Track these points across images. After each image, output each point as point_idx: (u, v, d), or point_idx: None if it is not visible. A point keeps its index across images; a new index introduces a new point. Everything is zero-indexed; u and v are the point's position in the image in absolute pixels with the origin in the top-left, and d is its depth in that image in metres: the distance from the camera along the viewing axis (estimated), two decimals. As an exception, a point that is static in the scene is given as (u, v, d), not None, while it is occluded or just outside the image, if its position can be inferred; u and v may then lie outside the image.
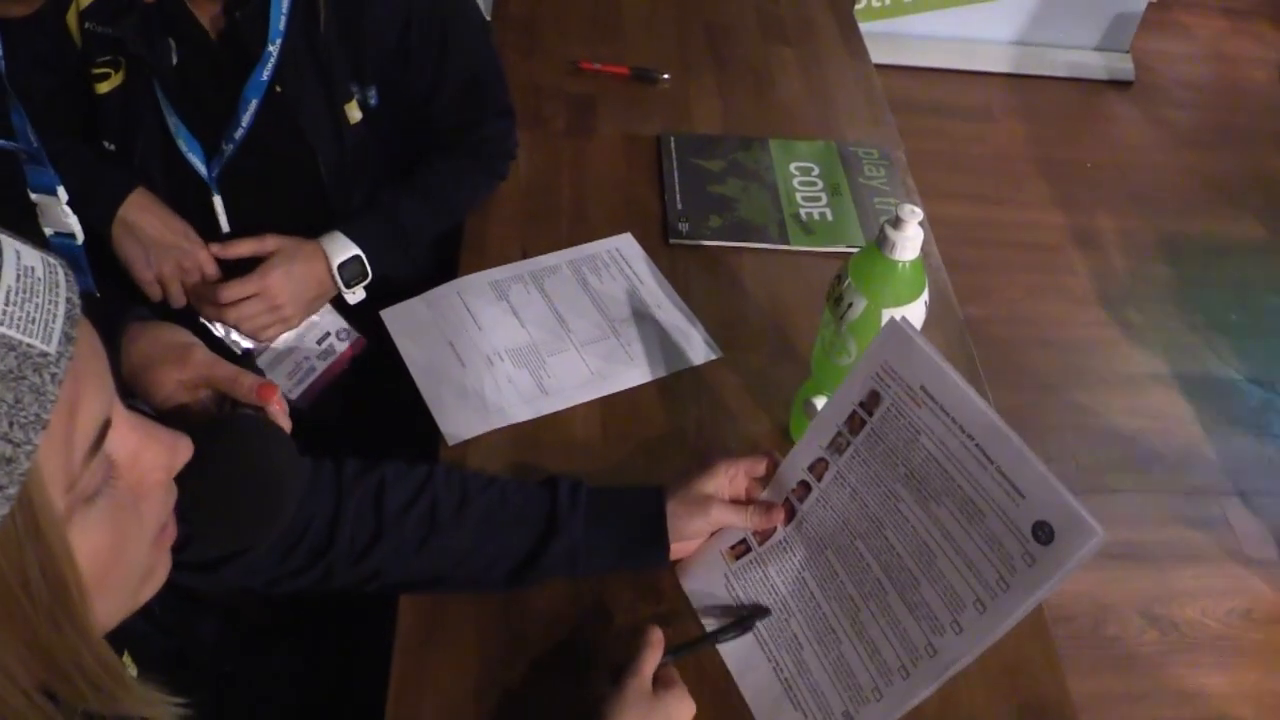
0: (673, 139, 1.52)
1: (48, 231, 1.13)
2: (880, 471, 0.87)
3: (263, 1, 1.13)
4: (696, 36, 1.75)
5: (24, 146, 1.08)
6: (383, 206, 1.28)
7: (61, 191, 1.12)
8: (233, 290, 1.19)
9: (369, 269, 1.26)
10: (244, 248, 1.22)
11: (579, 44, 1.68)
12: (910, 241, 0.97)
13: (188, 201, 1.24)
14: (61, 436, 0.46)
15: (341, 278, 1.24)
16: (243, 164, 1.22)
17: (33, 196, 1.12)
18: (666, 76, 1.64)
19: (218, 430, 0.74)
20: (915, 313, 1.01)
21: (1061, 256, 2.77)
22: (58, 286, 0.47)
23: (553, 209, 1.40)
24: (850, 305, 1.00)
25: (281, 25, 1.15)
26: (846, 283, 1.01)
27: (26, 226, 1.10)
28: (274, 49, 1.15)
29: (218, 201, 1.24)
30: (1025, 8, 3.26)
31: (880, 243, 0.98)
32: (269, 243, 1.23)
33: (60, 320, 0.46)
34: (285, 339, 1.27)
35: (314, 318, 1.29)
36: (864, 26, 1.87)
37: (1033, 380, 2.42)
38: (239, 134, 1.19)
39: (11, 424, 0.43)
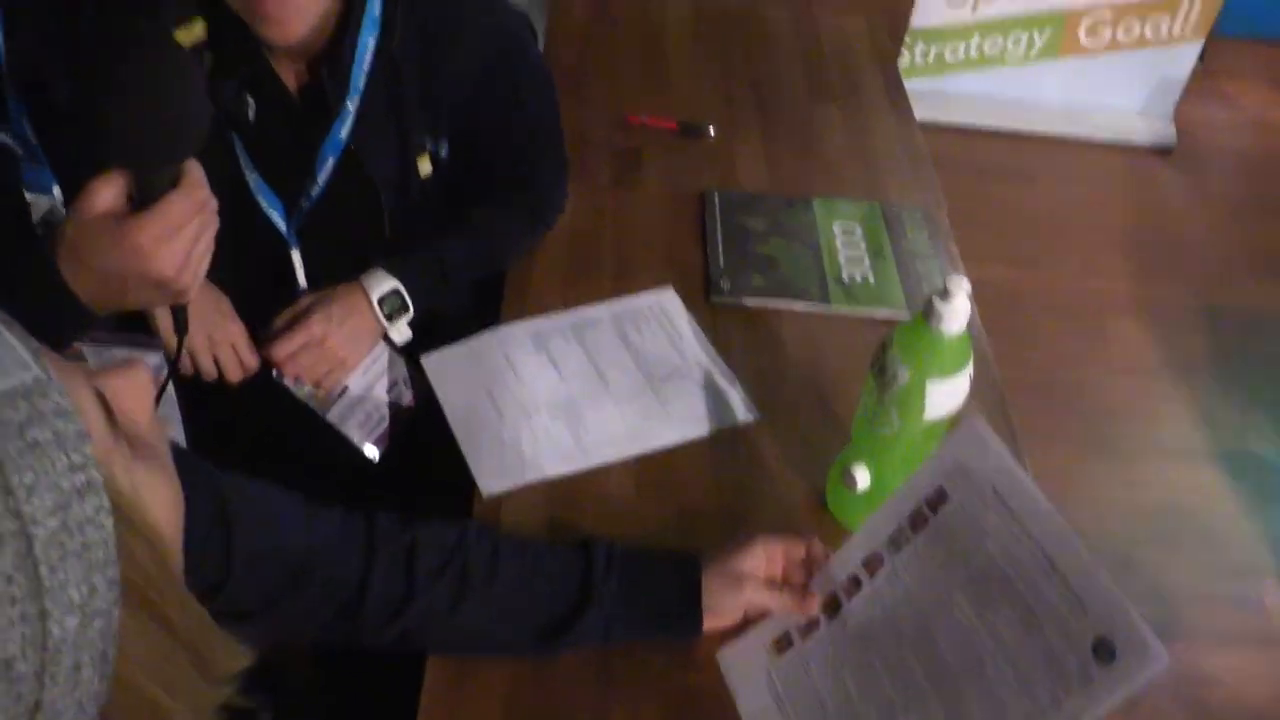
0: (717, 195, 1.52)
1: (41, 231, 1.12)
2: (939, 573, 0.85)
3: (347, 60, 1.14)
4: (743, 92, 1.75)
5: (20, 143, 1.05)
6: (427, 243, 1.29)
7: (57, 191, 1.07)
8: (280, 348, 1.20)
9: (409, 303, 1.26)
10: (283, 319, 1.24)
11: (627, 96, 1.69)
12: (957, 315, 0.96)
13: (262, 256, 1.25)
14: (100, 435, 0.47)
15: (382, 311, 1.25)
16: (317, 218, 1.23)
17: (27, 196, 1.09)
18: (713, 131, 1.64)
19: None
20: (959, 386, 1.00)
21: (1100, 324, 2.75)
22: None
23: (596, 261, 1.41)
24: (894, 376, 0.99)
25: (361, 83, 1.16)
26: (891, 353, 1.00)
27: (18, 225, 1.08)
28: (352, 106, 1.17)
29: (295, 255, 1.25)
30: (1069, 71, 3.26)
31: (927, 314, 0.97)
32: (303, 301, 1.24)
33: (18, 346, 0.45)
34: (356, 389, 1.28)
35: (382, 366, 1.29)
36: (907, 83, 1.87)
37: (1067, 448, 2.39)
38: (316, 190, 1.21)
39: (68, 452, 0.43)
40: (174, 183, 0.78)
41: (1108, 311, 2.78)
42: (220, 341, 1.22)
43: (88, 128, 0.71)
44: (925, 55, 3.21)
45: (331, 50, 1.15)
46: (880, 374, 1.01)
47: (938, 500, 0.86)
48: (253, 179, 1.20)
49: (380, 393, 1.30)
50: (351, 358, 1.25)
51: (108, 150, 0.75)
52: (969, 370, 1.00)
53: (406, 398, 1.32)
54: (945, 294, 0.95)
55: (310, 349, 1.21)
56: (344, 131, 1.17)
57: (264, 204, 1.21)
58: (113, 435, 0.50)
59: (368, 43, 1.14)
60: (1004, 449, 0.81)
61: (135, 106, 0.72)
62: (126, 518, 0.46)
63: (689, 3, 1.98)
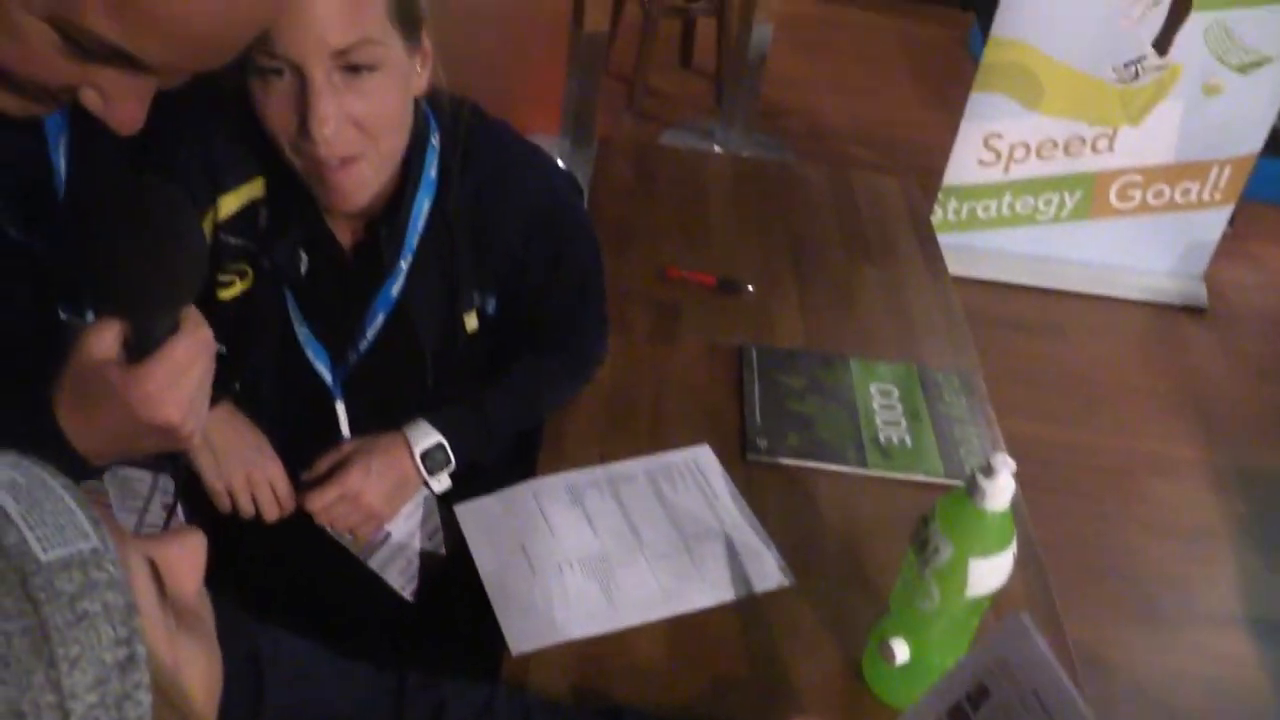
0: (754, 351, 1.53)
1: None
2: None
3: (404, 221, 1.17)
4: (782, 250, 1.79)
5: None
6: (469, 398, 1.30)
7: (90, 316, 1.01)
8: (316, 499, 1.21)
9: (452, 457, 1.27)
10: (324, 464, 1.25)
11: (667, 250, 1.73)
12: (1002, 492, 0.95)
13: (307, 405, 1.27)
14: (149, 607, 0.47)
15: (425, 466, 1.25)
16: (364, 370, 1.25)
17: (63, 316, 1.12)
18: (751, 288, 1.67)
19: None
20: (1003, 564, 0.99)
21: (1134, 484, 2.72)
22: (46, 484, 0.47)
23: (632, 415, 1.41)
24: (936, 551, 0.98)
25: (415, 242, 1.19)
26: (933, 527, 0.99)
27: (51, 346, 1.08)
28: (405, 264, 1.19)
29: (340, 407, 1.27)
30: (1098, 230, 3.31)
31: (970, 490, 0.97)
32: (345, 447, 1.25)
33: (79, 513, 0.46)
34: (398, 536, 1.28)
35: (422, 515, 1.29)
36: (938, 238, 1.90)
37: (1101, 612, 2.34)
38: (365, 344, 1.23)
39: (115, 625, 0.43)
40: (175, 326, 0.77)
41: (1141, 471, 2.76)
42: (259, 481, 1.22)
43: (85, 280, 0.72)
44: (957, 212, 3.27)
45: (389, 212, 1.18)
46: (921, 548, 1.00)
47: (979, 696, 0.83)
48: (302, 332, 1.22)
49: (419, 542, 1.29)
50: (387, 511, 1.25)
51: (108, 302, 0.75)
52: (1013, 548, 0.99)
53: (441, 546, 1.31)
54: (989, 470, 0.95)
55: (346, 501, 1.21)
56: (396, 288, 1.20)
57: (311, 355, 1.23)
58: (161, 607, 0.50)
59: (423, 204, 1.18)
60: (1049, 654, 0.80)
61: (133, 260, 0.71)
62: (164, 691, 0.46)
63: (728, 162, 2.05)
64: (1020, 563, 1.24)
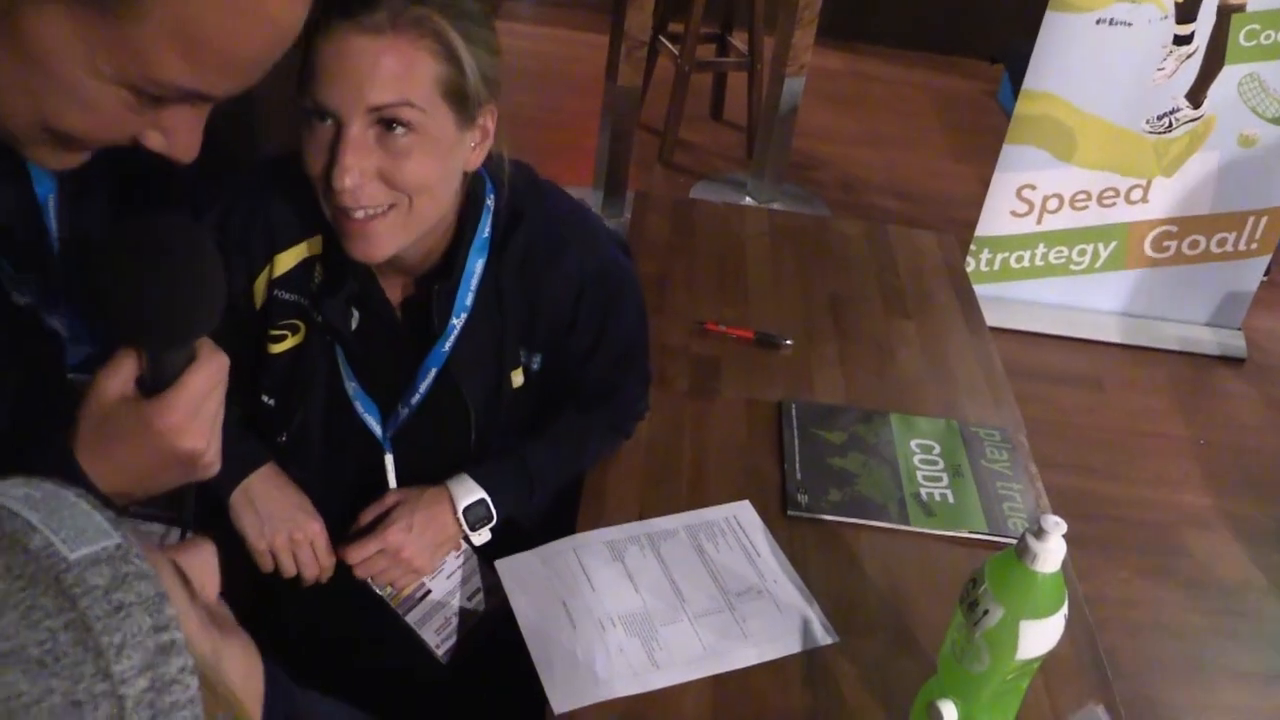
0: (794, 406, 1.53)
1: None
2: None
3: (457, 281, 1.19)
4: (820, 304, 1.79)
5: (68, 325, 0.99)
6: (512, 451, 1.31)
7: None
8: (355, 553, 1.21)
9: (494, 512, 1.27)
10: (368, 517, 1.25)
11: (706, 305, 1.73)
12: (1053, 554, 0.95)
13: (355, 458, 1.28)
14: (180, 600, 0.48)
15: (466, 520, 1.25)
16: (413, 424, 1.26)
17: (71, 377, 1.11)
18: (789, 342, 1.67)
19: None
20: (1054, 626, 0.98)
21: (1174, 537, 2.68)
22: (60, 494, 0.47)
23: (672, 470, 1.41)
24: (986, 613, 0.97)
25: (469, 301, 1.20)
26: (983, 588, 0.98)
27: (62, 407, 1.07)
28: (458, 322, 1.21)
29: (389, 459, 1.28)
30: (1134, 280, 3.29)
31: (1021, 552, 0.96)
32: (389, 499, 1.26)
33: (97, 515, 0.46)
34: (438, 593, 1.29)
35: (463, 571, 1.29)
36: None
37: (1144, 668, 2.30)
38: (415, 399, 1.24)
39: (151, 613, 0.44)
40: (191, 356, 0.77)
41: (1183, 525, 2.71)
42: (301, 542, 1.23)
43: (106, 313, 0.72)
44: (990, 263, 3.26)
45: (441, 271, 1.19)
46: (971, 609, 0.99)
47: None
48: (351, 387, 1.23)
49: (460, 599, 1.29)
50: (428, 566, 1.26)
51: (132, 334, 0.75)
52: (1064, 610, 0.97)
53: (480, 601, 1.31)
54: (1040, 532, 0.94)
55: (386, 555, 1.22)
56: (448, 345, 1.21)
57: (361, 409, 1.24)
58: (190, 601, 0.51)
59: (476, 264, 1.19)
60: None
61: (158, 292, 0.71)
62: (209, 681, 0.47)
63: (764, 216, 2.06)
64: (1068, 622, 1.23)
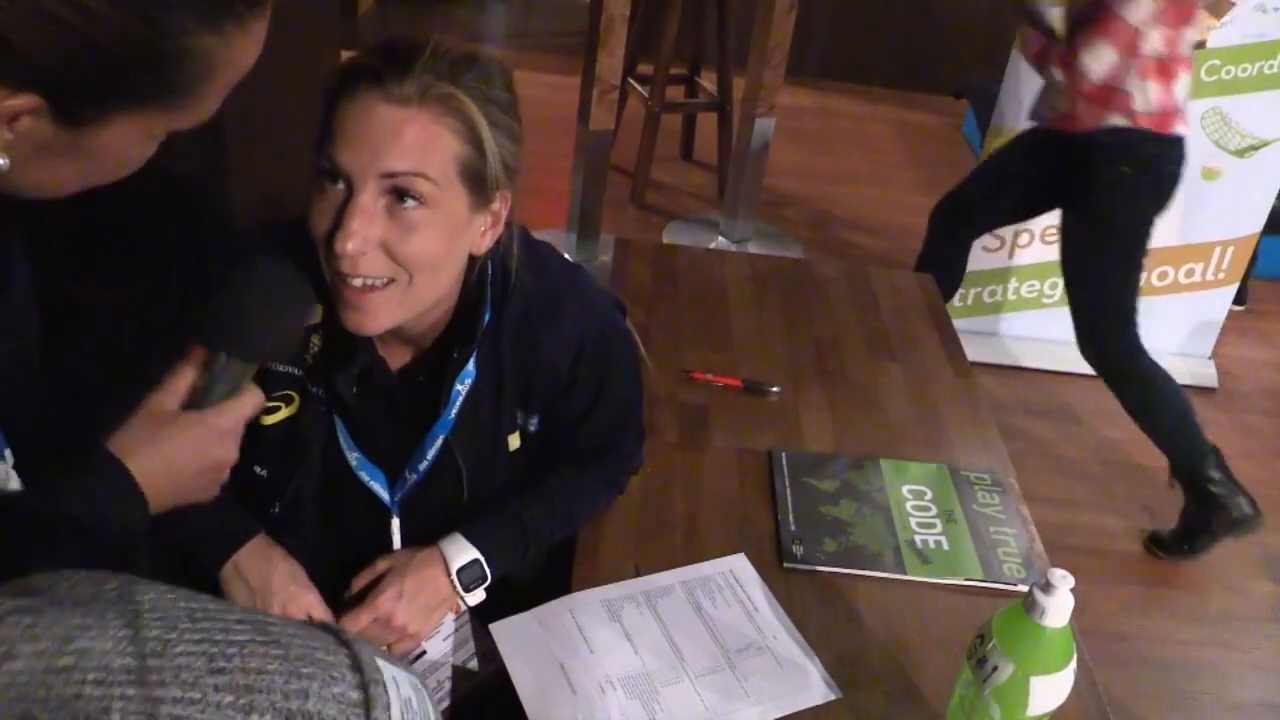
0: (784, 455, 1.52)
1: None
2: None
3: (467, 351, 1.17)
4: (804, 349, 1.79)
5: None
6: (507, 508, 1.29)
7: (9, 454, 0.95)
8: (348, 624, 1.19)
9: (489, 572, 1.25)
10: (359, 584, 1.23)
11: (691, 352, 1.73)
12: (1061, 607, 0.94)
13: (358, 522, 1.26)
14: None
15: (460, 582, 1.23)
16: (420, 489, 1.24)
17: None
18: (776, 389, 1.66)
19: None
20: (1064, 681, 0.97)
21: (1157, 569, 2.69)
22: (429, 715, 0.53)
23: (666, 524, 1.40)
24: (995, 669, 0.96)
25: (471, 365, 1.19)
26: (991, 645, 0.97)
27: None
28: (462, 388, 1.19)
29: (395, 523, 1.26)
30: (1104, 311, 3.31)
31: (1029, 607, 0.95)
32: (380, 565, 1.23)
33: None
34: (434, 653, 1.26)
35: (455, 633, 1.27)
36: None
37: (1135, 703, 2.29)
38: (424, 465, 1.22)
39: None
40: (235, 389, 0.92)
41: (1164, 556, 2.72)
42: (295, 614, 1.21)
43: (215, 326, 0.91)
44: (964, 297, 3.29)
45: (455, 339, 1.18)
46: (979, 666, 0.98)
47: None
48: (354, 458, 1.21)
49: (455, 660, 1.27)
50: (423, 631, 1.23)
51: (232, 343, 0.91)
52: (1073, 665, 0.97)
53: (474, 662, 1.29)
54: (1047, 586, 0.93)
55: (379, 623, 1.20)
56: (453, 411, 1.20)
57: (366, 478, 1.22)
58: None
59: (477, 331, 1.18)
60: None
61: (261, 316, 0.93)
62: None
63: (746, 262, 2.06)
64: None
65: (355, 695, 0.49)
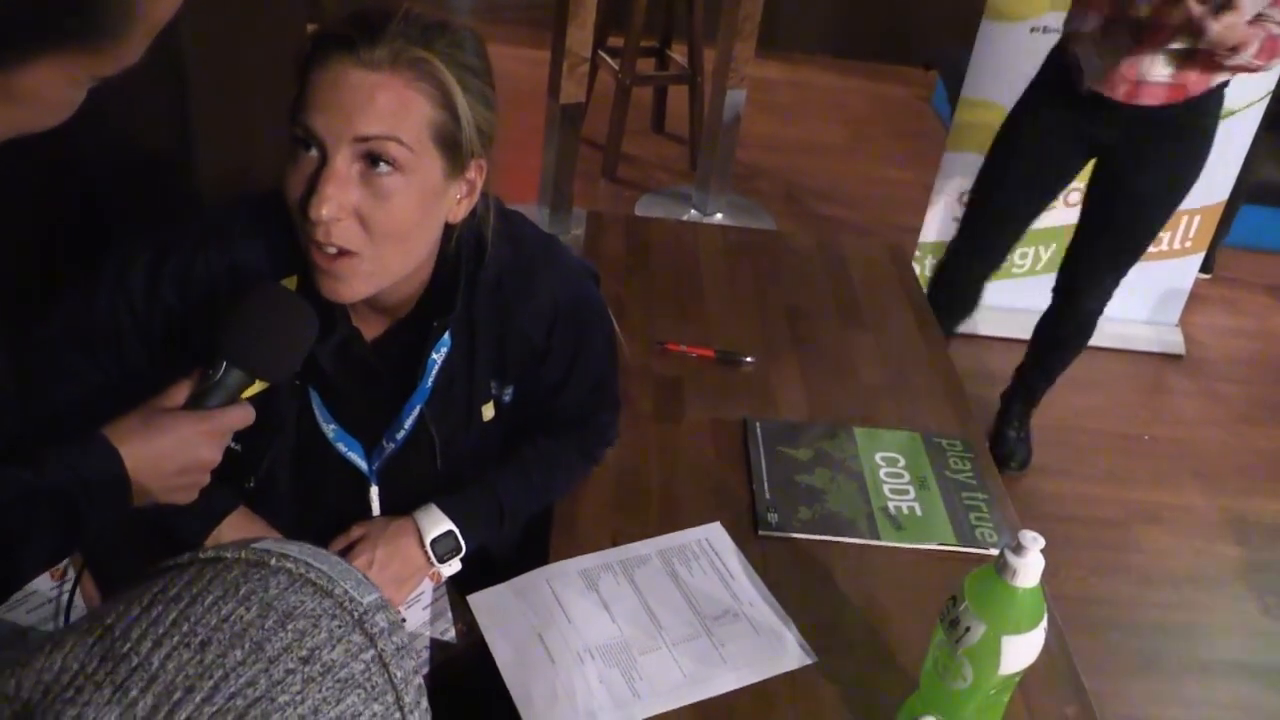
0: (759, 425, 1.53)
1: None
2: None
3: (445, 321, 1.17)
4: (778, 319, 1.80)
5: None
6: (482, 480, 1.29)
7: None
8: None
9: (463, 543, 1.25)
10: (336, 547, 1.23)
11: (665, 324, 1.73)
12: (1032, 568, 0.95)
13: (340, 493, 1.26)
14: None
15: (435, 552, 1.24)
16: (397, 457, 1.24)
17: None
18: (750, 360, 1.67)
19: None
20: (1035, 640, 0.99)
21: (1125, 534, 2.73)
22: (322, 554, 0.55)
23: (642, 494, 1.40)
24: (967, 630, 0.98)
25: (447, 335, 1.18)
26: (963, 606, 0.99)
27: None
28: (438, 357, 1.19)
29: (374, 491, 1.26)
30: (1073, 280, 3.34)
31: (1000, 568, 0.96)
32: (355, 532, 1.24)
33: (357, 571, 0.55)
34: (413, 623, 1.26)
35: (431, 603, 1.27)
36: (919, 294, 1.92)
37: (1105, 665, 2.34)
38: (401, 435, 1.22)
39: (412, 656, 0.52)
40: (233, 399, 0.98)
41: (1133, 521, 2.77)
42: None
43: (227, 333, 0.97)
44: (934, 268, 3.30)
45: (424, 310, 1.17)
46: (952, 627, 0.99)
47: None
48: (331, 429, 1.20)
49: (433, 631, 1.27)
50: (393, 600, 1.23)
51: (237, 355, 0.97)
52: (1044, 624, 0.98)
53: (451, 633, 1.29)
54: (1018, 548, 0.95)
55: None
56: (430, 381, 1.19)
57: (344, 449, 1.22)
58: None
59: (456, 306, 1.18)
60: None
61: (267, 335, 1.00)
62: None
63: (719, 234, 2.06)
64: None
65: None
